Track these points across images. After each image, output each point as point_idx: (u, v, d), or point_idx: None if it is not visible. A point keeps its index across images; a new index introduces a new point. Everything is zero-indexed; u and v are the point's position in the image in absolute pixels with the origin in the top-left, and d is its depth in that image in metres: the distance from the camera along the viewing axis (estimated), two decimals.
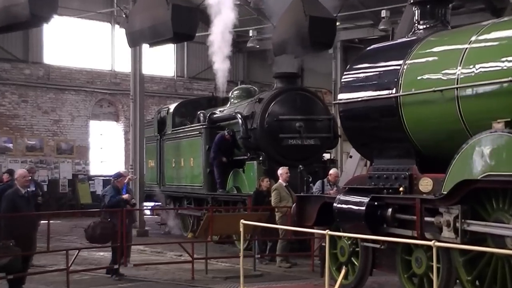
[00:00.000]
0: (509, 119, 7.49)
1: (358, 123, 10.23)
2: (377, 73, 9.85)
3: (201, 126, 18.37)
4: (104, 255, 14.31)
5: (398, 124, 9.16)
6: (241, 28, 25.41)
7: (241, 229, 10.21)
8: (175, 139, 20.00)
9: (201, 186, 18.13)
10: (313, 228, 10.47)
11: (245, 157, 16.63)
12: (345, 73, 10.70)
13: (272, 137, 16.06)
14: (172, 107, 20.84)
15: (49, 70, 28.60)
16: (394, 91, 9.20)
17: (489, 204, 7.48)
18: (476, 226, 7.46)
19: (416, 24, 9.87)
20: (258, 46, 28.26)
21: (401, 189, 8.91)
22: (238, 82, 29.54)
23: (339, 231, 9.51)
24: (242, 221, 10.29)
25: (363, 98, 9.82)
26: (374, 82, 9.80)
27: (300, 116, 16.11)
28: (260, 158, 15.95)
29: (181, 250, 13.93)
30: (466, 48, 8.30)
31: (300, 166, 13.11)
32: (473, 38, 8.34)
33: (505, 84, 7.55)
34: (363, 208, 8.83)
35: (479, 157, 7.58)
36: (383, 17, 23.70)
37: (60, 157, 28.70)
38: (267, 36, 23.19)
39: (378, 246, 9.11)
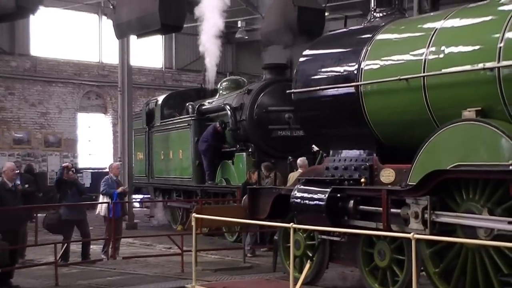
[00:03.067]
0: (480, 108, 7.32)
1: (315, 113, 9.85)
2: (336, 60, 9.49)
3: (190, 118, 18.34)
4: (93, 248, 14.28)
5: (358, 114, 8.88)
6: (230, 19, 25.32)
7: (193, 223, 10.09)
8: (163, 131, 19.96)
9: (190, 178, 18.11)
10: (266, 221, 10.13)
11: (234, 149, 16.62)
12: (300, 60, 10.28)
13: (261, 128, 16.06)
14: (160, 99, 20.78)
15: (35, 62, 28.43)
16: (354, 80, 8.91)
17: (458, 195, 7.30)
18: (447, 218, 7.28)
19: (372, 12, 9.67)
20: (247, 37, 28.25)
21: (362, 180, 8.68)
22: (227, 74, 29.47)
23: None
24: (194, 214, 10.30)
25: (321, 87, 9.49)
26: (332, 70, 9.48)
27: (289, 107, 16.00)
28: (250, 150, 15.95)
29: (170, 243, 13.91)
30: (433, 34, 8.01)
31: (290, 157, 13.11)
32: (440, 24, 8.08)
33: (478, 72, 7.32)
34: (324, 200, 8.54)
35: (449, 147, 7.40)
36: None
37: (48, 150, 28.58)
38: (256, 27, 23.16)
39: (338, 239, 8.83)
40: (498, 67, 7.10)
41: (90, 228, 14.42)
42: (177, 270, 12.28)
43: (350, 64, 9.12)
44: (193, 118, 18.17)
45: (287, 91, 10.40)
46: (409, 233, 7.27)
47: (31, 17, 18.61)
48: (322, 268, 9.54)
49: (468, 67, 7.43)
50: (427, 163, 7.57)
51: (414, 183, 7.60)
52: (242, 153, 16.13)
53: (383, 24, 9.18)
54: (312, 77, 9.80)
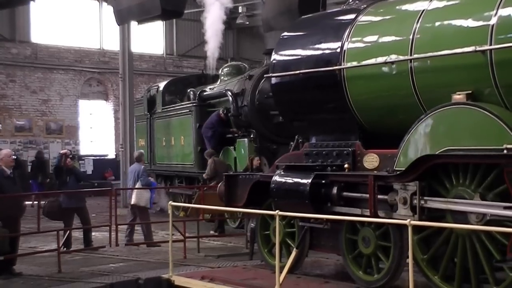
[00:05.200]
0: (470, 91, 7.10)
1: (295, 97, 9.50)
2: (316, 43, 9.12)
3: (191, 104, 18.29)
4: (96, 235, 14.28)
5: (341, 99, 8.57)
6: (231, 4, 25.23)
7: (169, 211, 10.00)
8: (165, 117, 19.92)
9: (192, 164, 18.09)
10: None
11: (237, 134, 16.58)
12: (278, 43, 9.92)
13: (262, 114, 15.98)
14: (161, 85, 20.73)
15: (36, 49, 28.35)
16: (336, 63, 8.57)
17: (447, 180, 7.08)
18: (437, 203, 7.06)
19: None
20: (247, 23, 28.11)
21: (346, 166, 8.43)
22: (228, 59, 29.39)
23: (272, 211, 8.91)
24: (171, 202, 10.21)
25: (301, 71, 9.09)
26: (312, 54, 9.12)
27: None
28: (251, 136, 15.90)
29: (172, 229, 13.90)
30: (421, 15, 7.74)
31: (291, 143, 13.04)
32: (427, 5, 7.80)
33: (469, 54, 7.04)
34: (307, 186, 8.24)
35: (438, 131, 7.18)
36: None
37: (50, 137, 28.56)
38: (257, 12, 23.06)
39: (321, 226, 8.50)
40: (491, 50, 6.89)
41: (93, 215, 14.42)
42: (180, 256, 12.26)
43: (331, 47, 8.78)
44: (194, 104, 18.12)
45: (265, 75, 10.07)
46: (397, 219, 7.23)
47: (32, 3, 18.59)
48: (302, 256, 9.25)
49: (458, 50, 7.18)
50: (415, 148, 7.39)
51: (402, 169, 7.40)
52: (243, 139, 16.09)
53: (365, 6, 8.88)
54: (291, 61, 9.47)
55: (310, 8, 14.64)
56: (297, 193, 8.41)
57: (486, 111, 6.79)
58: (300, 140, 10.00)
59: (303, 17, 10.11)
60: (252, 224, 10.63)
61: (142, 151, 16.25)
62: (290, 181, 8.62)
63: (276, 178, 8.83)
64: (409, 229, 6.58)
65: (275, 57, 9.85)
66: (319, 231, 8.77)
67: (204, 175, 16.21)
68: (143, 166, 14.62)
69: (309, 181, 8.28)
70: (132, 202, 14.24)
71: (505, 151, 6.44)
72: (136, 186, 14.25)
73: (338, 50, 8.64)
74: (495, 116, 6.72)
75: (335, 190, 8.20)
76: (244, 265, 10.61)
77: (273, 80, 9.81)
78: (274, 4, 15.40)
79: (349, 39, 8.59)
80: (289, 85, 9.49)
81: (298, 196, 8.38)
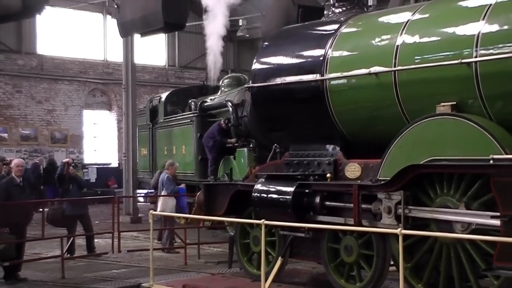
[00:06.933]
0: (454, 102, 7.03)
1: (275, 107, 9.31)
2: (298, 54, 8.97)
3: (193, 115, 18.27)
4: (99, 241, 14.26)
5: (323, 109, 8.41)
6: (231, 17, 25.28)
7: (150, 220, 9.86)
8: (167, 127, 19.90)
9: (193, 173, 18.06)
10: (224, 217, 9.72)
11: (236, 144, 16.56)
12: (258, 53, 9.73)
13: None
14: (163, 96, 20.71)
15: (42, 61, 28.41)
16: (318, 74, 8.41)
17: (432, 189, 7.02)
18: (422, 212, 6.98)
19: (332, 8, 9.30)
20: (247, 35, 28.15)
21: (328, 175, 8.29)
22: (228, 71, 29.41)
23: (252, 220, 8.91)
24: (151, 212, 10.06)
25: (283, 81, 8.97)
26: (294, 64, 8.96)
27: None
28: (251, 145, 15.89)
29: (175, 237, 13.91)
30: (405, 27, 7.59)
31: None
32: (411, 17, 7.68)
33: (454, 66, 6.97)
34: (290, 195, 8.11)
35: (423, 141, 7.07)
36: (370, 6, 23.59)
37: (55, 146, 28.58)
38: (257, 25, 23.10)
39: (303, 235, 8.26)
40: (476, 62, 6.82)
41: (96, 222, 14.38)
42: (181, 263, 12.25)
43: (314, 57, 8.62)
44: (195, 114, 18.10)
45: (245, 85, 9.93)
46: (380, 227, 7.17)
47: (38, 16, 18.61)
48: (283, 264, 8.99)
49: (442, 62, 7.12)
50: (399, 158, 7.28)
51: (386, 178, 7.31)
52: (243, 149, 16.07)
53: (346, 18, 8.77)
54: (273, 71, 9.31)
55: (309, 20, 14.73)
56: (279, 202, 8.29)
57: (472, 122, 6.73)
58: (277, 149, 9.86)
59: (284, 27, 9.96)
60: (231, 233, 10.42)
61: (171, 161, 16.04)
62: (273, 190, 8.48)
63: (258, 187, 8.68)
64: (400, 238, 6.55)
65: (256, 66, 9.67)
66: (300, 239, 8.52)
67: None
68: (167, 175, 14.57)
69: (292, 190, 8.15)
70: (158, 210, 14.20)
71: (491, 161, 6.38)
72: (162, 194, 14.36)
73: (321, 60, 8.49)
74: (480, 127, 6.66)
75: (317, 199, 8.08)
76: (222, 273, 10.48)
77: (254, 91, 9.64)
78: (274, 17, 15.40)
79: (332, 49, 8.44)
80: (270, 96, 9.35)
81: (281, 205, 8.26)
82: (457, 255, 6.86)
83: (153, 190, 17.09)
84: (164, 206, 14.14)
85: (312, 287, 8.83)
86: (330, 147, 8.66)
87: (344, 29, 8.54)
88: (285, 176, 8.70)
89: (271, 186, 8.53)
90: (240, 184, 9.72)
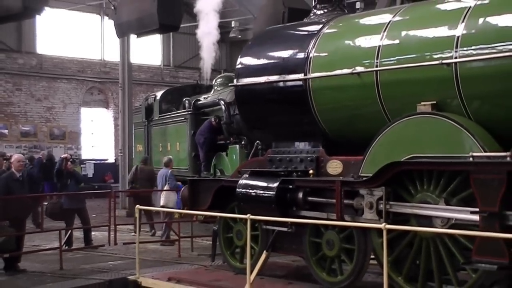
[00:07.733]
0: (435, 102, 7.03)
1: (258, 105, 9.25)
2: (281, 54, 8.92)
3: (187, 113, 18.32)
4: (95, 234, 14.33)
5: (306, 108, 8.37)
6: (224, 19, 25.34)
7: (136, 214, 9.88)
8: (162, 124, 19.95)
9: (187, 168, 18.12)
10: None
11: (228, 141, 16.64)
12: (242, 53, 9.71)
13: None
14: (159, 94, 20.75)
15: (41, 60, 28.41)
16: (302, 73, 8.37)
17: (412, 186, 7.02)
18: (403, 208, 6.99)
19: (313, 10, 9.28)
20: (240, 37, 28.17)
21: (310, 171, 8.27)
22: (221, 71, 29.46)
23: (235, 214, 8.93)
24: (138, 206, 10.03)
25: (266, 80, 8.91)
26: (277, 63, 8.91)
27: None
28: (243, 142, 15.97)
29: (170, 231, 13.99)
30: (386, 28, 7.59)
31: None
32: (393, 18, 7.66)
33: (434, 66, 6.96)
34: (274, 191, 8.06)
35: (403, 139, 7.07)
36: (358, 9, 23.65)
37: (53, 142, 28.60)
38: (249, 26, 23.15)
39: (286, 229, 8.21)
40: (456, 62, 6.83)
41: (93, 215, 14.45)
42: (174, 255, 12.33)
43: (297, 57, 8.56)
44: (189, 112, 18.15)
45: (229, 84, 9.83)
46: (362, 222, 7.17)
47: (37, 17, 18.64)
48: (266, 258, 8.88)
49: (423, 63, 7.08)
50: (381, 155, 7.26)
51: (368, 175, 7.32)
52: (235, 145, 16.15)
53: (328, 19, 8.73)
54: (257, 70, 9.22)
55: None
56: (263, 197, 8.25)
57: (452, 120, 6.76)
58: (259, 146, 9.84)
59: (268, 28, 9.89)
60: (214, 227, 10.42)
61: (170, 157, 16.22)
62: (257, 185, 8.42)
63: (243, 182, 8.61)
64: (384, 232, 6.55)
65: (240, 65, 9.63)
66: (282, 234, 8.47)
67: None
68: (170, 171, 14.71)
69: (276, 185, 8.12)
70: (161, 204, 14.32)
71: (471, 159, 6.43)
72: (165, 189, 14.47)
73: (304, 59, 8.46)
74: (460, 125, 6.69)
75: (300, 195, 8.06)
76: (205, 266, 10.45)
77: (237, 89, 9.61)
78: (265, 19, 15.47)
79: (314, 49, 8.40)
80: (253, 94, 9.30)
81: (264, 200, 8.22)
82: (437, 249, 6.89)
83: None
84: (167, 200, 14.25)
85: (293, 280, 8.82)
86: (312, 144, 8.65)
87: (327, 30, 8.52)
88: (268, 172, 8.66)
89: (255, 182, 8.46)
90: (224, 179, 9.64)
